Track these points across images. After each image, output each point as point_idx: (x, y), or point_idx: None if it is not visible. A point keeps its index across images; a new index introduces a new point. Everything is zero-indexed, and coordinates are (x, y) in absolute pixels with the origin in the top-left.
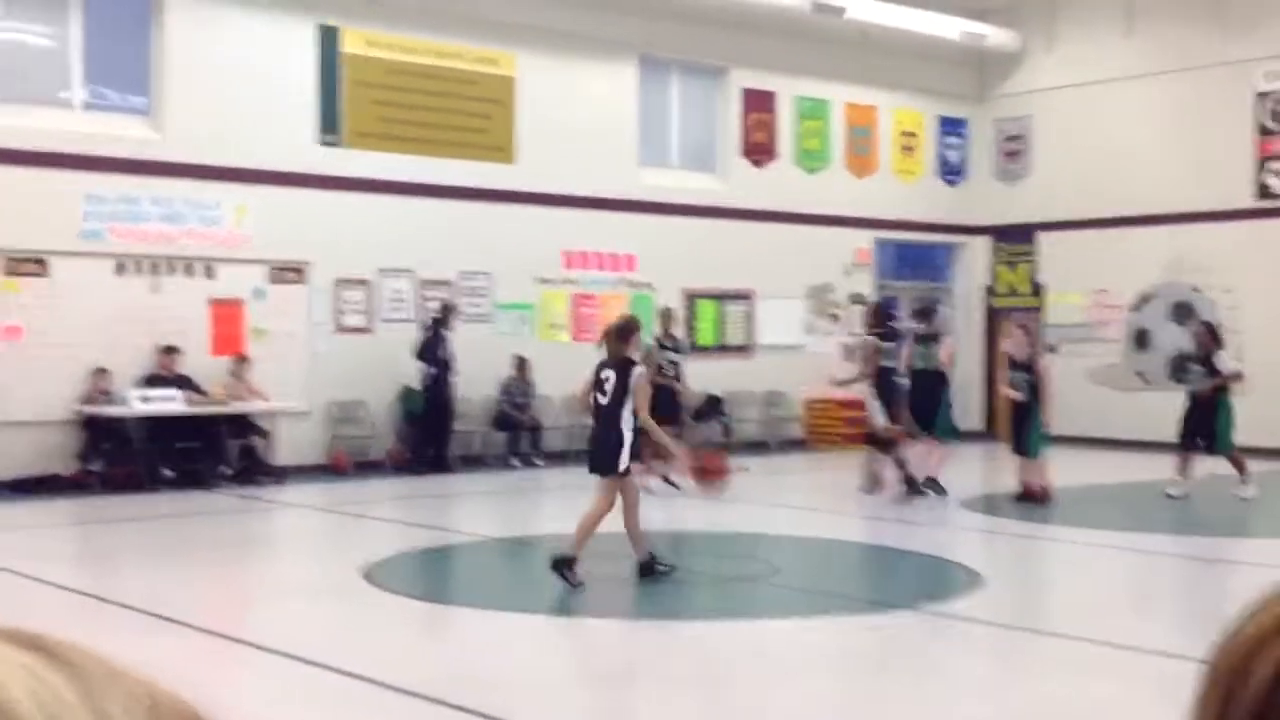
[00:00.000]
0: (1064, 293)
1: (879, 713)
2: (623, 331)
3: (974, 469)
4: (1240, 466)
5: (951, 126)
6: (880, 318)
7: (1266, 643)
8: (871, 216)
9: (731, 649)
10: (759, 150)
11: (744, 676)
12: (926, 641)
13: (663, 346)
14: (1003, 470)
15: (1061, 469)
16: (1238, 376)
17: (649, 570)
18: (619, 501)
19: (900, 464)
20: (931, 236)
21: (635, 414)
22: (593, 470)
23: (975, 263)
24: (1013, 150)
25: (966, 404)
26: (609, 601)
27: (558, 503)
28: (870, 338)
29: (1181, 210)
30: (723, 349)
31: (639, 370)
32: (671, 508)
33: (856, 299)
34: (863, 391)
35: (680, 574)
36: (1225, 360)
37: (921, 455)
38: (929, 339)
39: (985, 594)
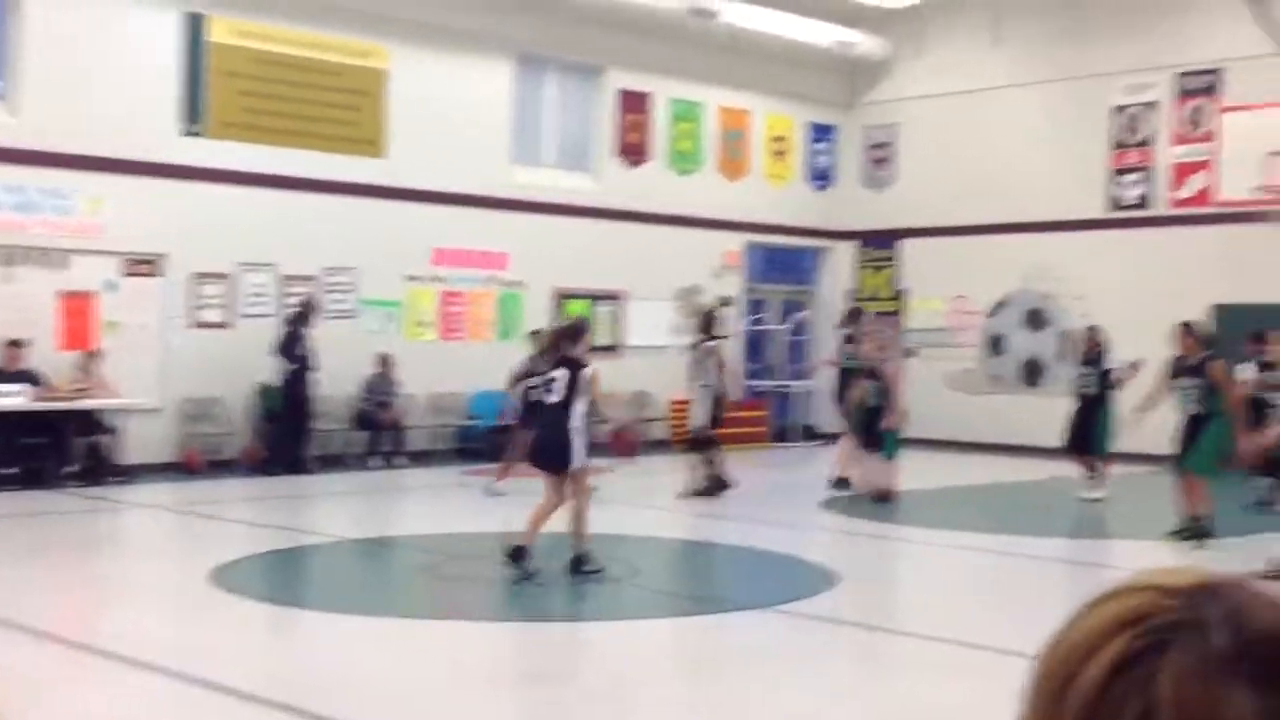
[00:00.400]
0: (925, 298)
1: (737, 714)
2: (573, 333)
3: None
4: (1097, 469)
5: (821, 132)
6: (710, 323)
7: (1095, 645)
8: (741, 220)
9: (591, 651)
10: (633, 151)
11: (603, 678)
12: (784, 641)
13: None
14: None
15: (917, 471)
16: (1136, 367)
17: (578, 568)
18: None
19: (710, 463)
20: (799, 240)
21: (584, 412)
22: (541, 467)
23: (840, 267)
24: (880, 157)
25: (828, 404)
26: (469, 604)
27: (418, 503)
28: (712, 343)
29: (1039, 219)
30: (591, 349)
31: (588, 370)
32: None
33: (724, 301)
34: (692, 393)
35: (541, 576)
36: (1116, 360)
37: (850, 454)
38: (854, 340)
39: (841, 594)
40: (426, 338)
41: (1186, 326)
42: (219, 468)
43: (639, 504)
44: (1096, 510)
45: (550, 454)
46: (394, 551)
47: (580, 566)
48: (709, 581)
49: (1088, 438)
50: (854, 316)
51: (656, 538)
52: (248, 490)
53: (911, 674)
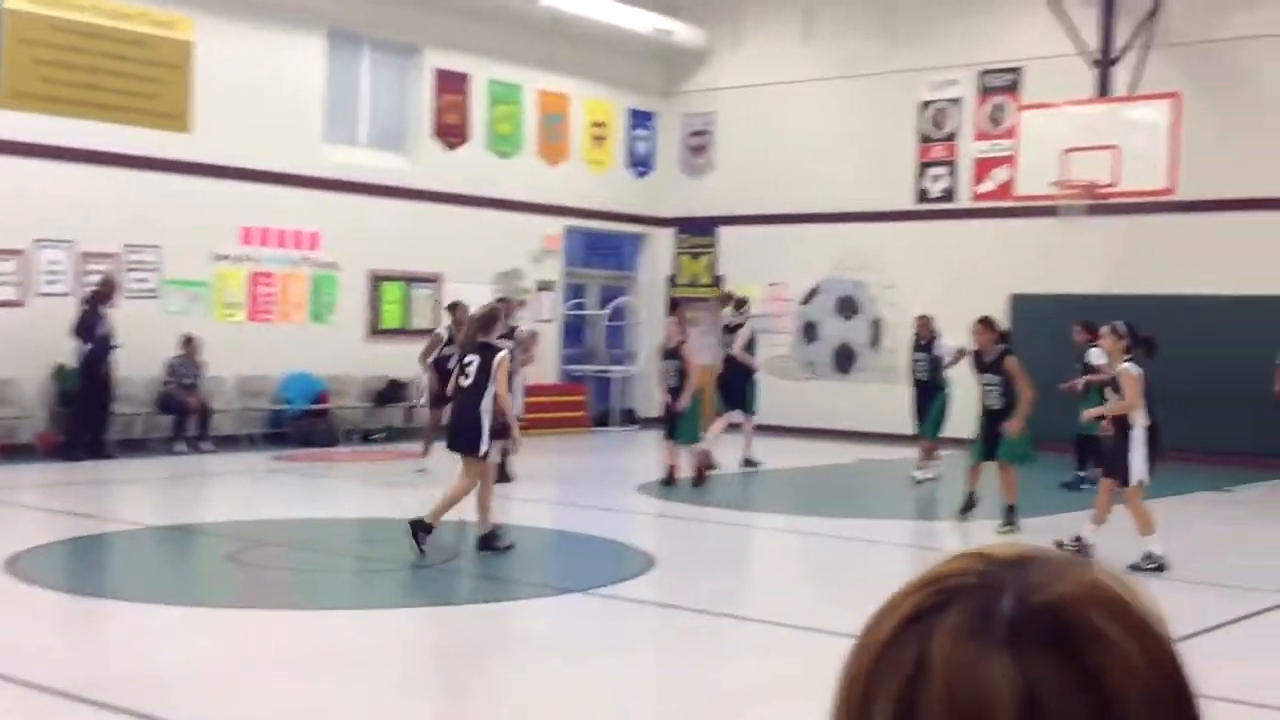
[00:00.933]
0: (742, 285)
1: (557, 697)
2: (486, 320)
3: (651, 454)
4: (929, 453)
5: (640, 119)
6: (490, 324)
7: (898, 601)
8: (561, 204)
9: (408, 637)
10: (450, 132)
11: (410, 664)
12: (598, 624)
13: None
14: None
15: (734, 454)
16: (963, 352)
17: (488, 544)
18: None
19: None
20: (619, 226)
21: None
22: (454, 449)
23: (660, 253)
24: (698, 145)
25: (648, 391)
26: (275, 592)
27: (224, 490)
28: (531, 331)
29: (851, 210)
30: (408, 332)
31: (500, 355)
32: (361, 494)
33: (544, 286)
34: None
35: (359, 563)
36: (945, 345)
37: (733, 434)
38: (736, 328)
39: (657, 576)
40: (235, 319)
41: (984, 322)
42: (12, 453)
43: None
44: (917, 491)
45: (464, 437)
46: (198, 539)
47: (490, 544)
48: (524, 566)
49: (921, 421)
50: (740, 305)
51: (473, 522)
52: (44, 476)
53: (724, 654)
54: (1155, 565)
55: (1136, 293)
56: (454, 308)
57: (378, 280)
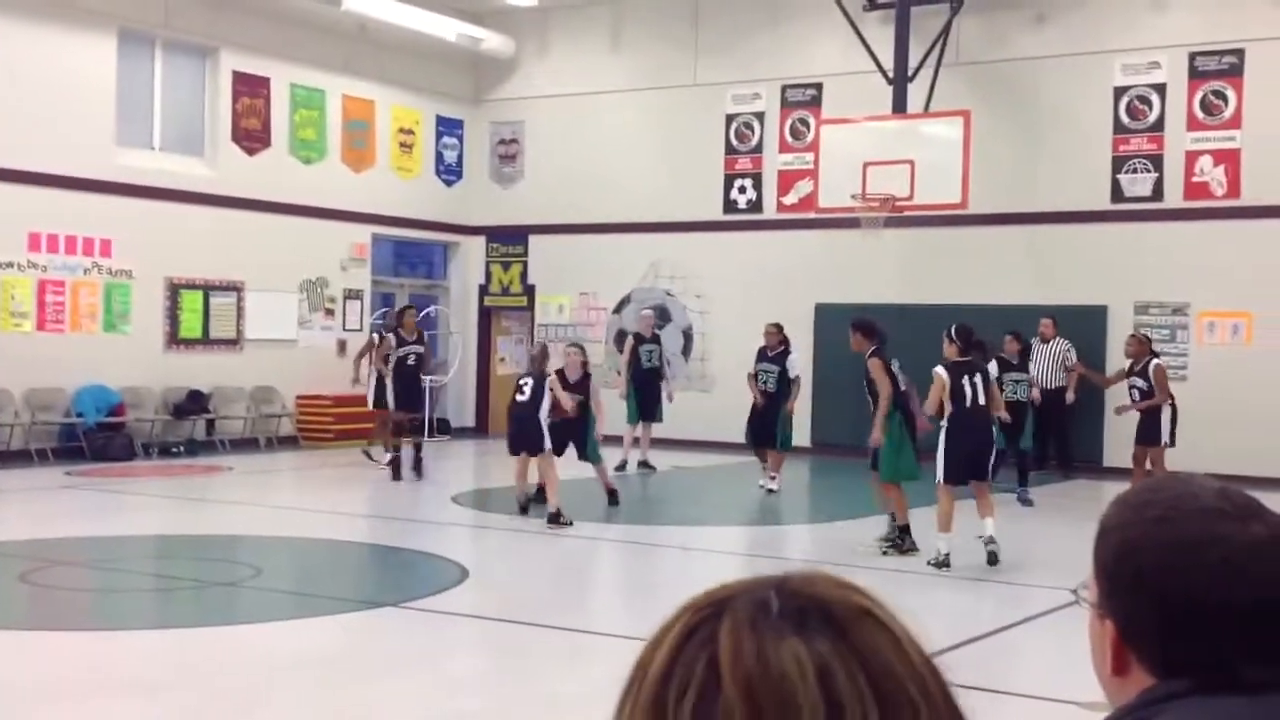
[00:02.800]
0: (553, 294)
1: (365, 713)
2: (543, 353)
3: (466, 464)
4: (777, 464)
5: (449, 127)
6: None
7: (667, 628)
8: (369, 211)
9: (208, 656)
10: (251, 137)
11: (222, 684)
12: (412, 637)
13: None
14: (491, 466)
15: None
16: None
17: (555, 520)
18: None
19: (397, 448)
20: (429, 234)
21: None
22: (519, 451)
23: (471, 262)
24: (507, 154)
25: (461, 400)
26: (69, 613)
27: (13, 507)
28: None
29: (661, 220)
30: (209, 342)
31: (551, 377)
32: (160, 510)
33: (351, 295)
34: (365, 385)
35: (153, 581)
36: (794, 363)
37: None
38: (655, 340)
39: (471, 588)
40: (23, 329)
41: (775, 326)
42: None
43: (262, 503)
44: (725, 498)
45: (530, 440)
46: None
47: (557, 520)
48: (333, 580)
49: (770, 432)
50: (665, 317)
51: (280, 537)
52: None
53: (536, 664)
54: (940, 561)
55: (932, 302)
56: (403, 313)
57: (176, 289)
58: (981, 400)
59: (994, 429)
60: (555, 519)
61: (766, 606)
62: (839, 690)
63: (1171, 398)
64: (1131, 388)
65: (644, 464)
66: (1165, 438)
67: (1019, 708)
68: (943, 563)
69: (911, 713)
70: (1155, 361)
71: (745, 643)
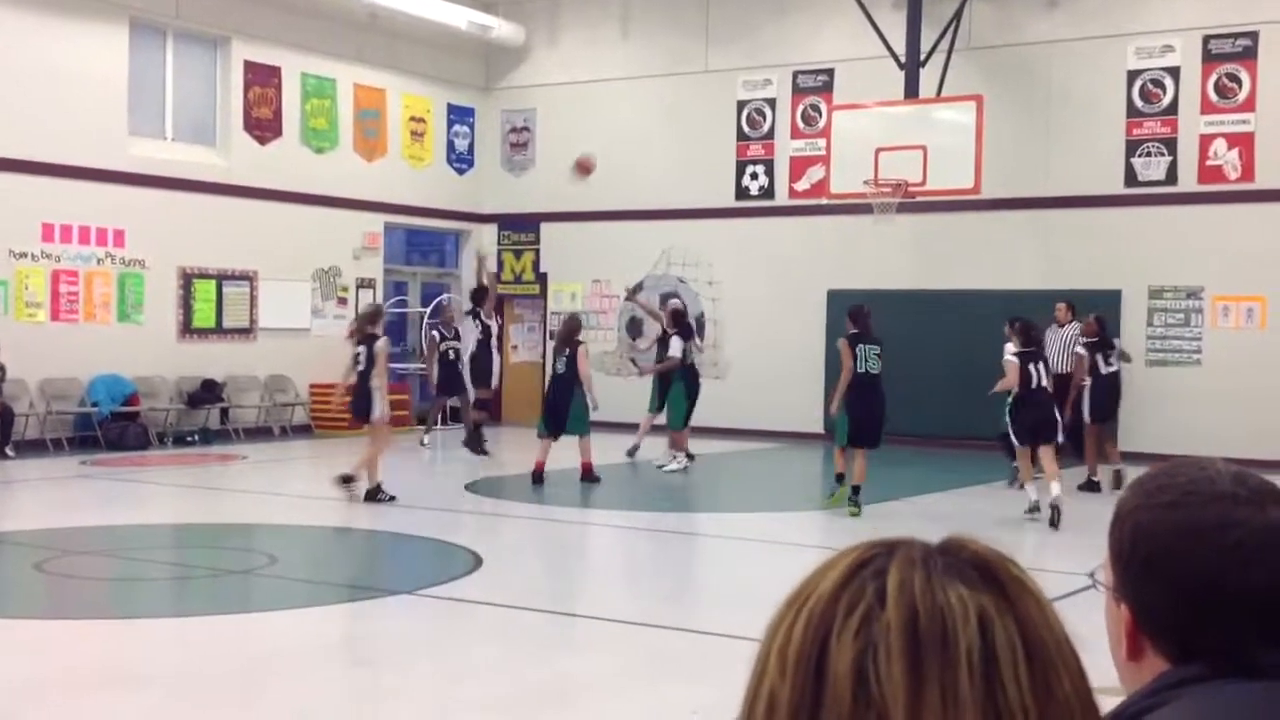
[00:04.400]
0: (565, 282)
1: (379, 700)
2: (372, 316)
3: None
4: (679, 444)
5: (460, 115)
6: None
7: (833, 562)
8: (381, 200)
9: (222, 645)
10: (263, 126)
11: (237, 672)
12: (425, 625)
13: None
14: (503, 452)
15: (560, 451)
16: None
17: (372, 497)
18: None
19: (477, 425)
20: (440, 223)
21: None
22: (557, 430)
23: (483, 250)
24: (518, 142)
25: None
26: (85, 601)
27: (29, 496)
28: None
29: (672, 207)
30: (222, 331)
31: (380, 343)
32: (175, 498)
33: (364, 284)
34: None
35: (168, 569)
36: (675, 346)
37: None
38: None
39: (485, 575)
40: (37, 319)
41: (674, 314)
42: None
43: (277, 491)
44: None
45: (561, 419)
46: (3, 548)
47: (374, 496)
48: (349, 568)
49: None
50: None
51: (294, 525)
52: None
53: (549, 651)
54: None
55: (945, 288)
56: (443, 308)
57: (189, 278)
58: (1044, 382)
59: (1054, 407)
60: (373, 496)
61: (934, 555)
62: (995, 640)
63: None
64: (1106, 361)
65: (690, 456)
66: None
67: None
68: (1033, 508)
69: (1055, 676)
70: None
71: (915, 578)
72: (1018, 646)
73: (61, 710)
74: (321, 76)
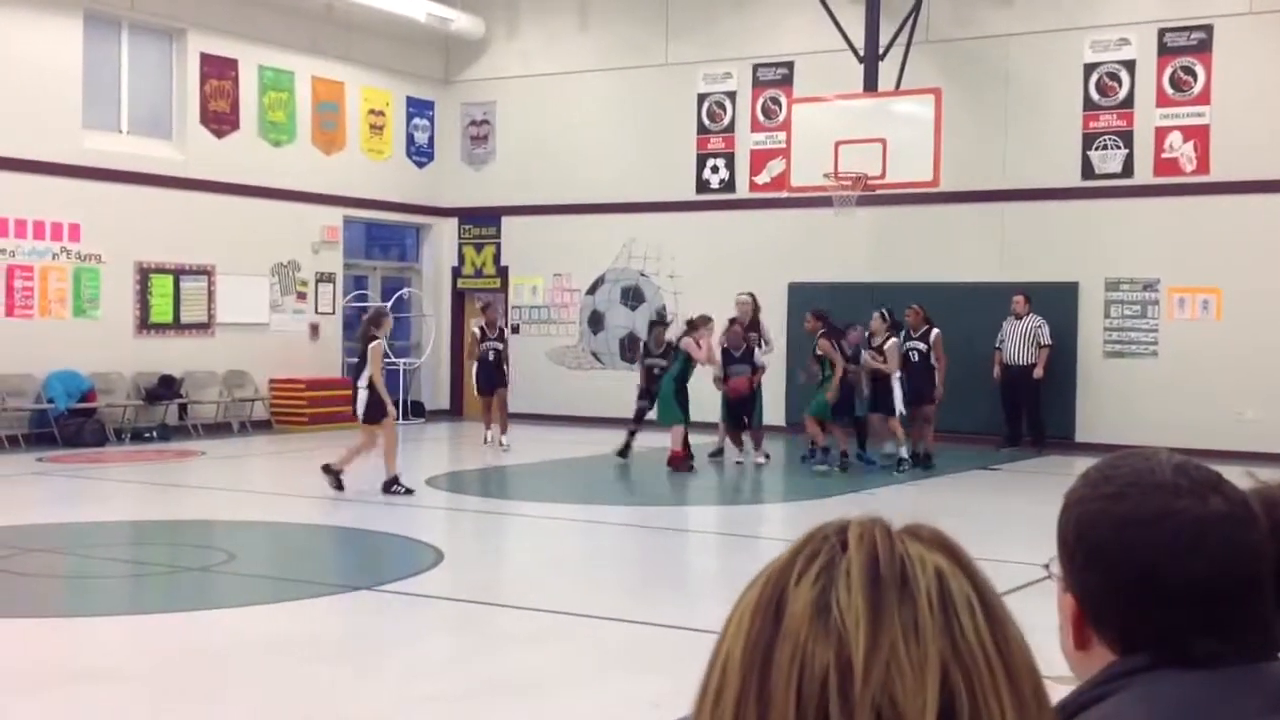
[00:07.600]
0: (526, 275)
1: (338, 696)
2: (373, 319)
3: (440, 447)
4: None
5: (419, 108)
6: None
7: (814, 543)
8: (340, 194)
9: (181, 641)
10: (219, 119)
11: (196, 669)
12: (386, 620)
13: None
14: (465, 448)
15: (523, 445)
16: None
17: (389, 489)
18: None
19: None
20: (400, 216)
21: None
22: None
23: (443, 244)
24: (478, 135)
25: (435, 383)
26: (43, 600)
27: None
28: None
29: (634, 200)
30: (180, 326)
31: (375, 343)
32: (134, 495)
33: (323, 278)
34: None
35: (126, 566)
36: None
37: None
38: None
39: (445, 570)
40: None
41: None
42: None
43: (236, 487)
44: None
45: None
46: None
47: (391, 488)
48: (308, 564)
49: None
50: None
51: (253, 521)
52: None
53: (510, 646)
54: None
55: (904, 280)
56: (486, 307)
57: (146, 273)
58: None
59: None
60: (390, 488)
61: (887, 525)
62: (952, 590)
63: (903, 374)
64: (910, 350)
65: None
66: (900, 408)
67: None
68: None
69: (1010, 629)
70: (936, 330)
71: (875, 531)
72: (973, 597)
73: (17, 708)
74: (279, 69)
